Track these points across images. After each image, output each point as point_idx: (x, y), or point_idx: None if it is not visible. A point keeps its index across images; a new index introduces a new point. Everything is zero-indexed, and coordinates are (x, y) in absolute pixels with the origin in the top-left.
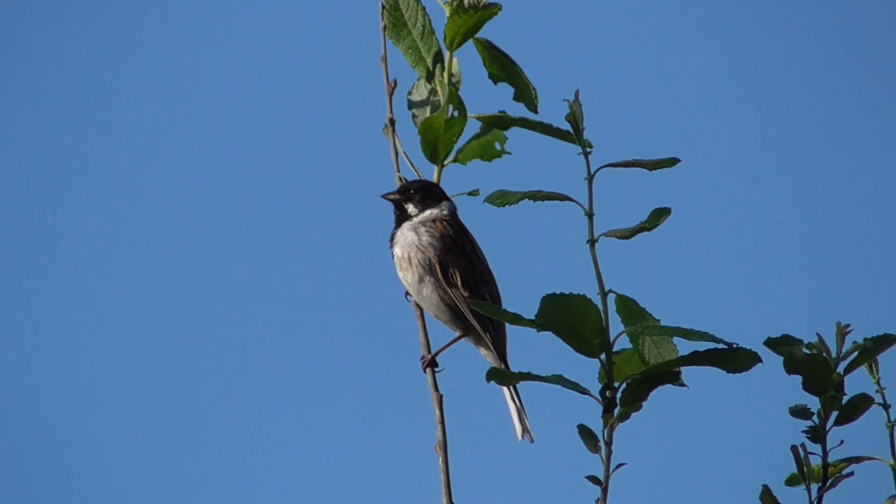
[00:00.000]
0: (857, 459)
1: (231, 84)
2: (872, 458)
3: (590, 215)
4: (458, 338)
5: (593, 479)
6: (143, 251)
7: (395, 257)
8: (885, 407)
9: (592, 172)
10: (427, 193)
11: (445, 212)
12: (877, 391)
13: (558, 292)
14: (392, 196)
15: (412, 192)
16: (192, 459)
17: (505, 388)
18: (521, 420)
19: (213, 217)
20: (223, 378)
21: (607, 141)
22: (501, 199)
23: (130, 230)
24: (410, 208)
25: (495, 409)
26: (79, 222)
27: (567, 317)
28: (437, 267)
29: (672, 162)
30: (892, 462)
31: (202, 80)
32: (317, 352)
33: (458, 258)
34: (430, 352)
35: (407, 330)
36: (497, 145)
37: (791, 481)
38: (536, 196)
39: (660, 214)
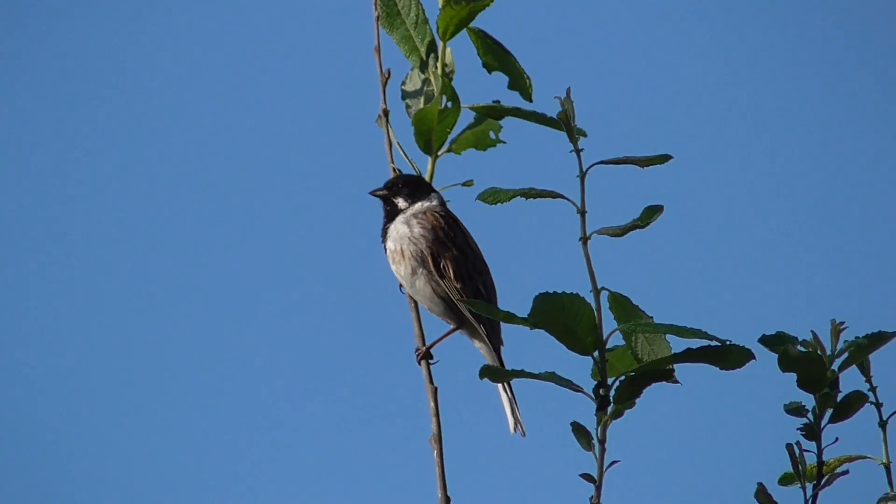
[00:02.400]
0: (851, 458)
1: (223, 75)
2: (865, 457)
3: (582, 213)
4: (453, 330)
5: (587, 477)
6: (128, 241)
7: (387, 251)
8: (878, 406)
9: (584, 169)
10: (415, 187)
11: (435, 202)
12: (868, 390)
13: (551, 291)
14: (380, 192)
15: (400, 185)
16: (183, 454)
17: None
18: (513, 413)
19: (205, 210)
20: (216, 373)
21: (600, 137)
22: (493, 196)
23: (115, 223)
24: (401, 202)
25: (490, 401)
26: (63, 224)
27: (560, 315)
28: (429, 258)
29: (664, 159)
30: (883, 461)
31: (193, 71)
32: (311, 345)
33: (449, 249)
34: (424, 344)
35: (401, 322)
36: (492, 135)
37: (785, 480)
38: (528, 194)
39: (652, 212)
